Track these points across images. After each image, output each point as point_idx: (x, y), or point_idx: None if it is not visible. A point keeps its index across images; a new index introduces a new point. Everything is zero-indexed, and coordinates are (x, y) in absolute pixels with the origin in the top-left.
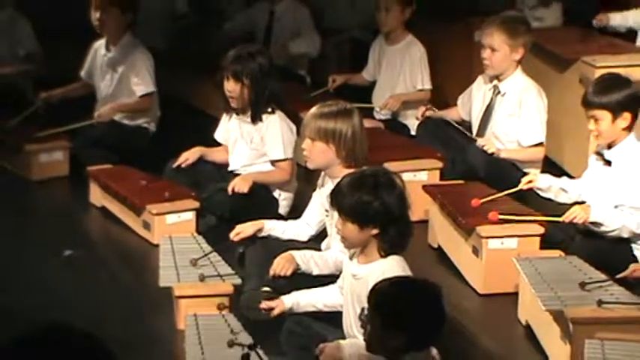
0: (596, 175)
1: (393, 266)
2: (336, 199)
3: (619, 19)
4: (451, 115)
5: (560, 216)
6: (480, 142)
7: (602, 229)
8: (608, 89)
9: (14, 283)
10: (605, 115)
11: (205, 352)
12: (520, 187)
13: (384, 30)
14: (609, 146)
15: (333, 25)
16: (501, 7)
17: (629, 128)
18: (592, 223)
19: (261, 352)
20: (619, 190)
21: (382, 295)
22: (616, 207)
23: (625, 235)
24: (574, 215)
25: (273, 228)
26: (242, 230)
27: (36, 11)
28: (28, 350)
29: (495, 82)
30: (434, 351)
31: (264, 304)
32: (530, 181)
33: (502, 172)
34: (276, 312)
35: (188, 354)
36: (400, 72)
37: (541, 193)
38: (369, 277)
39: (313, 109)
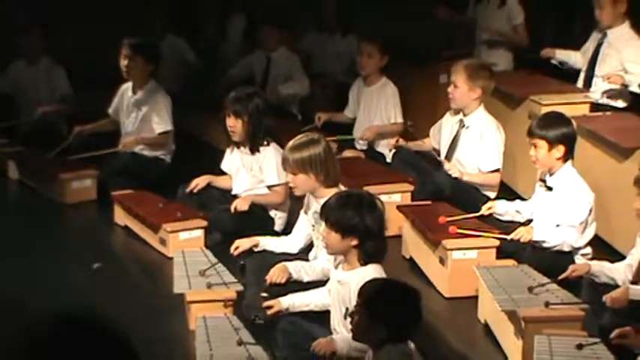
0: (540, 198)
1: (372, 273)
2: (325, 211)
3: (564, 55)
4: (424, 144)
5: (509, 233)
6: (445, 166)
7: (545, 245)
8: (549, 124)
9: (51, 290)
10: (543, 145)
11: (213, 349)
12: (481, 212)
13: (363, 73)
14: (551, 174)
15: (320, 70)
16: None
17: (563, 159)
18: (535, 241)
19: None
20: (559, 211)
21: (372, 293)
22: (557, 225)
23: (566, 248)
24: (519, 235)
25: (267, 243)
26: (240, 245)
27: (70, 59)
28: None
29: (461, 116)
30: (411, 344)
31: (266, 304)
32: (489, 208)
33: (464, 193)
34: (274, 310)
35: (198, 350)
36: (377, 109)
37: (500, 217)
38: (351, 282)
39: (287, 146)
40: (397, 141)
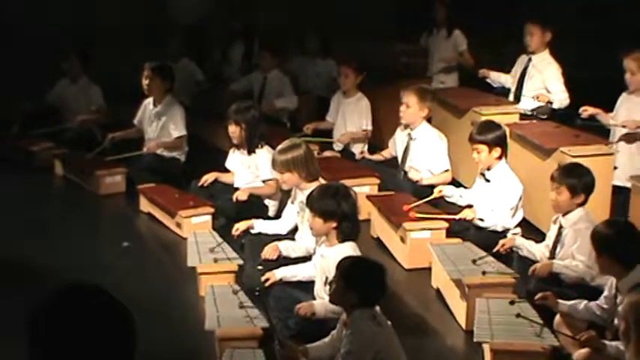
0: (480, 188)
1: (348, 249)
2: (310, 200)
3: (496, 76)
4: (386, 153)
5: (456, 214)
6: (409, 175)
7: (482, 224)
8: (485, 130)
9: (87, 265)
10: (483, 149)
11: (219, 311)
12: (434, 196)
13: (343, 89)
14: (489, 169)
15: (305, 87)
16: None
17: (500, 157)
18: (479, 219)
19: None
20: (494, 198)
21: (345, 267)
22: (492, 210)
23: (499, 229)
24: (465, 215)
25: (261, 226)
26: (239, 227)
27: (104, 79)
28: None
29: (409, 130)
30: (377, 308)
31: (264, 277)
32: (440, 191)
33: (422, 194)
34: (271, 282)
35: (207, 311)
36: (352, 117)
37: (447, 199)
38: (331, 256)
39: (275, 150)
40: (362, 153)
